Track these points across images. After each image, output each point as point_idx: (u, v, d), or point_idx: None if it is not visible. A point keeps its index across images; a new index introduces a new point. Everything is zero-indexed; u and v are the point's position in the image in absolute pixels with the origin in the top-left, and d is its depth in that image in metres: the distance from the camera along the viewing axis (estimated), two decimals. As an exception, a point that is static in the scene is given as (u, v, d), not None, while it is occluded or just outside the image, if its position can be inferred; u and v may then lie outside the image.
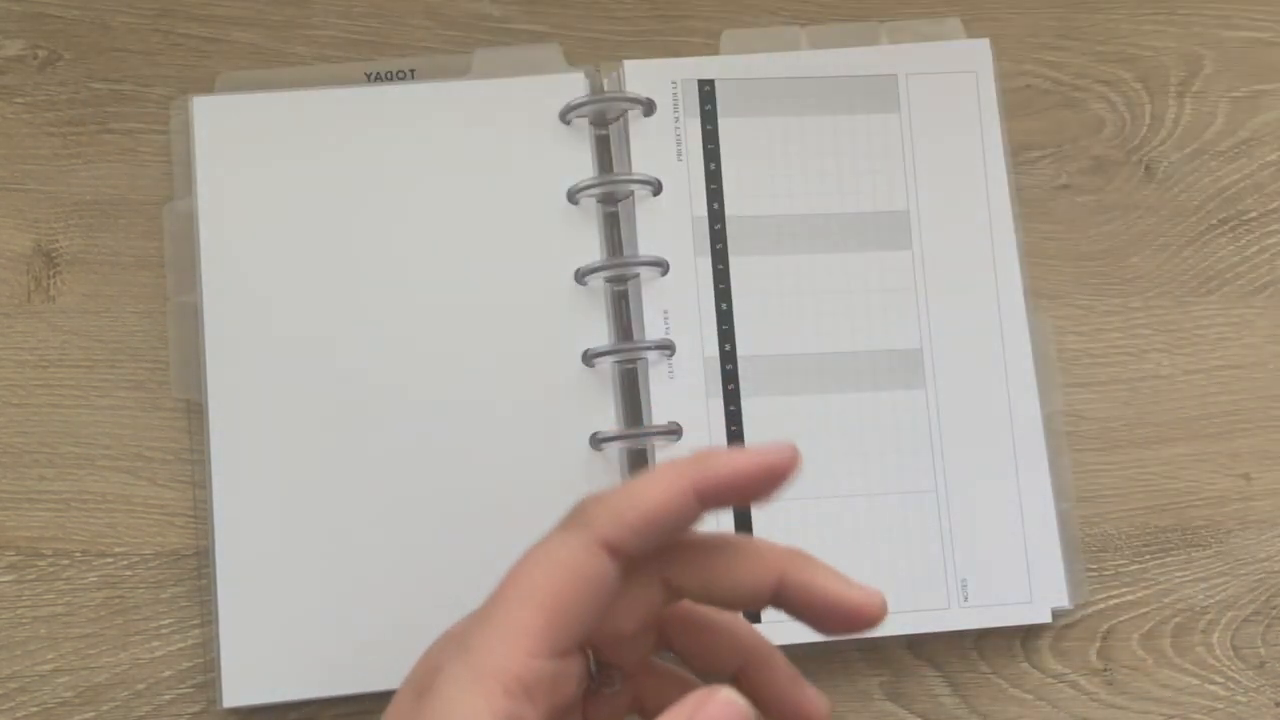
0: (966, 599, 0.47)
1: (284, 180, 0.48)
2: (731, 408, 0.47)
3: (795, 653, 0.47)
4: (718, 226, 0.48)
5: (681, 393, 0.47)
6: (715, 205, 0.48)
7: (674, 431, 0.47)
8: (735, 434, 0.47)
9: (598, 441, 0.47)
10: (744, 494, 0.32)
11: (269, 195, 0.48)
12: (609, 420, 0.47)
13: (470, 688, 0.29)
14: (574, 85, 0.49)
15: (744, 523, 0.46)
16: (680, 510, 0.31)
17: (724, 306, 0.48)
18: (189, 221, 0.48)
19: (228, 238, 0.47)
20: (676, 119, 0.49)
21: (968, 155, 0.50)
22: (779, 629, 0.46)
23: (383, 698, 0.46)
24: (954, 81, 0.50)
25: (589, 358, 0.47)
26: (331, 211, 0.48)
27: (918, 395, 0.48)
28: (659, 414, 0.47)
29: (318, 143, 0.48)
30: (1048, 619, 0.47)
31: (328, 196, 0.48)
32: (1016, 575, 0.47)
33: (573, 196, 0.48)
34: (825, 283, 0.48)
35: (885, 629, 0.46)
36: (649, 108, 0.49)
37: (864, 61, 0.50)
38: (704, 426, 0.47)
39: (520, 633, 0.30)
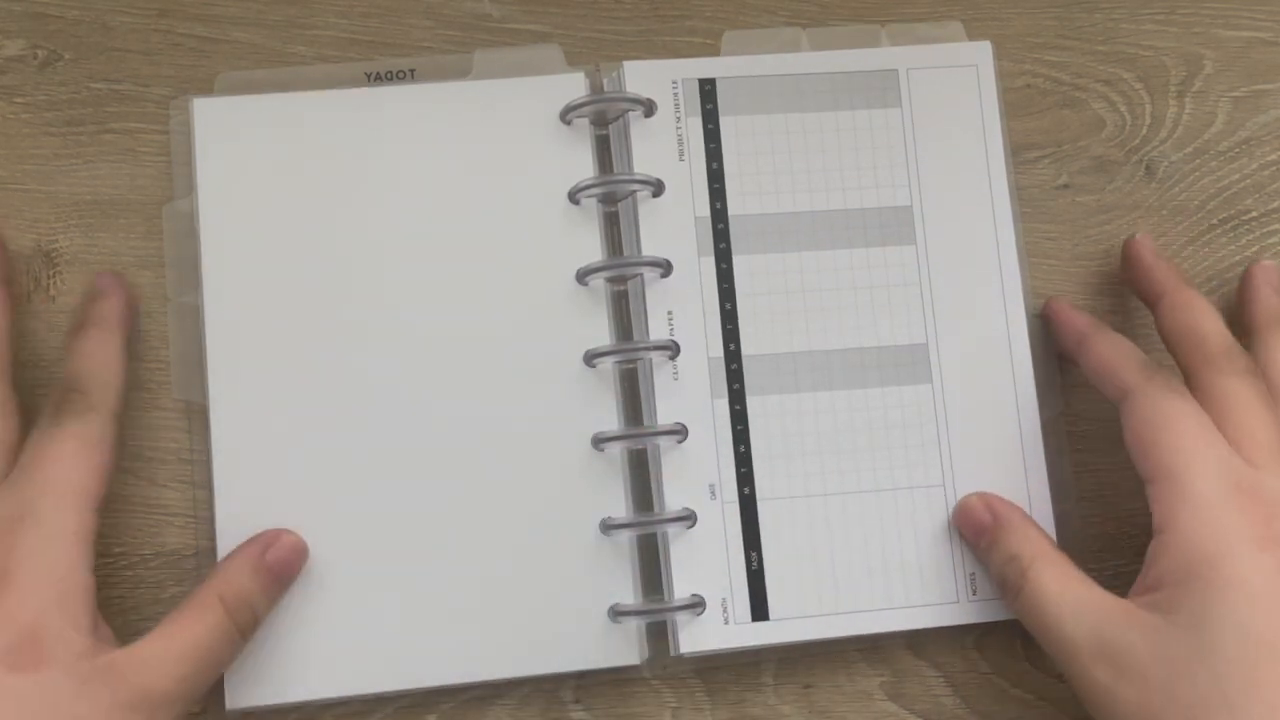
0: (975, 593, 0.47)
1: (284, 180, 0.48)
2: (737, 407, 0.47)
3: (796, 651, 0.47)
4: (721, 226, 0.48)
5: (686, 394, 0.47)
6: (718, 205, 0.48)
7: (677, 432, 0.47)
8: (741, 433, 0.47)
9: (599, 442, 0.46)
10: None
11: (269, 195, 0.47)
12: (610, 421, 0.47)
13: None
14: (574, 86, 0.49)
15: (750, 519, 0.46)
16: None
17: (728, 306, 0.48)
18: (189, 221, 0.47)
19: (228, 238, 0.47)
20: (678, 119, 0.49)
21: (970, 151, 0.50)
22: (788, 626, 0.46)
23: (383, 699, 0.46)
24: (956, 76, 0.50)
25: (590, 358, 0.47)
26: (332, 212, 0.47)
27: (924, 390, 0.48)
28: (664, 415, 0.47)
29: (318, 143, 0.48)
30: None
31: (328, 197, 0.48)
32: None
33: (574, 197, 0.48)
34: (830, 279, 0.48)
35: (894, 624, 0.47)
36: (649, 108, 0.49)
37: (865, 58, 0.50)
38: (709, 427, 0.47)
39: None
